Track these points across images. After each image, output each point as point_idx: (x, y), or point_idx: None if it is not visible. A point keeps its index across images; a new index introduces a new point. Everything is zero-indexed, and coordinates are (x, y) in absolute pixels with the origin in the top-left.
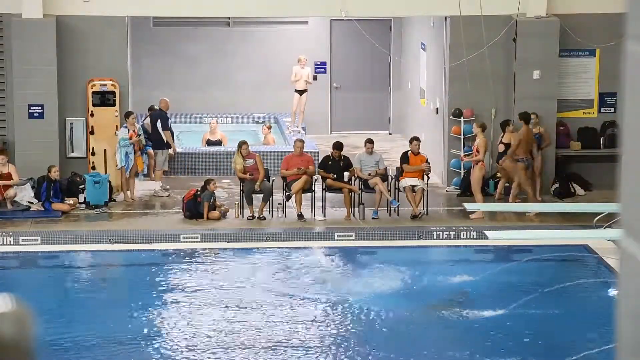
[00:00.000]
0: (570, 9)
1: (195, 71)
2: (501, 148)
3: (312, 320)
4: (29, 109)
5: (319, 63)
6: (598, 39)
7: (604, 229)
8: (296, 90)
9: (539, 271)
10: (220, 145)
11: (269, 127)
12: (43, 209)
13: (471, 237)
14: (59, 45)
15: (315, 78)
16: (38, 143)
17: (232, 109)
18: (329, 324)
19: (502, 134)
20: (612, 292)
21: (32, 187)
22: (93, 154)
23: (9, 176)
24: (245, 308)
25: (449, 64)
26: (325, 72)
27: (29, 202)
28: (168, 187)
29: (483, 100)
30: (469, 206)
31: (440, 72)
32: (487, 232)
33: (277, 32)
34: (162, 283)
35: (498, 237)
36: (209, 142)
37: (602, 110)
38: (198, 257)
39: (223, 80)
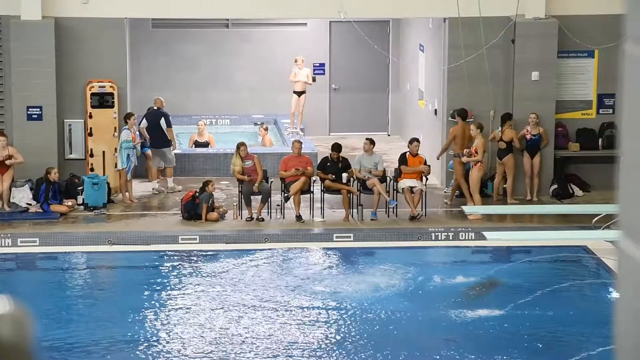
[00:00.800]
0: (568, 11)
1: (194, 73)
2: (502, 145)
3: (310, 322)
4: (27, 110)
5: (318, 64)
6: (596, 40)
7: (603, 229)
8: (294, 92)
9: (537, 272)
10: (208, 147)
11: (266, 129)
12: (41, 211)
13: (470, 238)
14: (58, 47)
15: (314, 79)
16: (36, 145)
17: (231, 111)
18: (327, 325)
19: (500, 128)
20: (611, 292)
21: (31, 189)
22: (91, 155)
23: (9, 159)
24: (243, 309)
25: (448, 66)
26: (323, 74)
27: (27, 203)
28: (157, 186)
29: (481, 101)
30: (467, 209)
31: (439, 73)
32: (485, 233)
33: (276, 33)
34: (160, 285)
35: (496, 238)
36: (197, 144)
37: (601, 111)
38: (196, 258)
39: (222, 82)
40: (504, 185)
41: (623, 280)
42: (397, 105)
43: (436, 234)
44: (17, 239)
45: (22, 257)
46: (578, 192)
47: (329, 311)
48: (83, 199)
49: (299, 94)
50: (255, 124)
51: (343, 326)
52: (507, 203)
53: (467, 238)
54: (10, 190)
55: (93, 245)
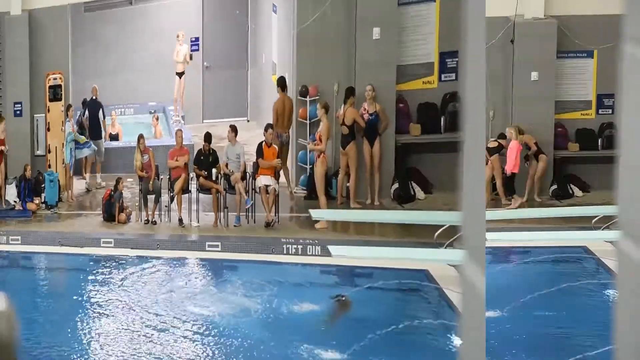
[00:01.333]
0: (567, 11)
1: (108, 57)
2: (345, 130)
3: (164, 343)
4: (14, 106)
5: (194, 39)
6: (596, 41)
7: (444, 248)
8: (176, 73)
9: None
10: (117, 140)
11: (157, 118)
12: (22, 208)
13: (316, 252)
14: (30, 40)
15: (191, 57)
16: (16, 141)
17: (134, 99)
18: (177, 349)
19: (342, 106)
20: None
21: (16, 186)
22: (49, 151)
23: (2, 143)
24: (106, 324)
25: (297, 28)
26: (198, 50)
27: (14, 200)
28: (88, 182)
29: (327, 72)
30: (314, 214)
31: (289, 39)
32: (330, 248)
33: (163, 7)
34: (73, 291)
35: (342, 255)
36: (111, 137)
37: (600, 111)
38: (104, 264)
39: (129, 65)
40: (347, 184)
41: (622, 281)
42: (256, 83)
43: (287, 246)
44: (9, 237)
45: (8, 255)
46: (578, 192)
47: (187, 333)
48: (44, 197)
49: (180, 75)
50: (150, 112)
51: (195, 351)
52: (350, 207)
53: (314, 252)
54: (6, 187)
55: (48, 246)
